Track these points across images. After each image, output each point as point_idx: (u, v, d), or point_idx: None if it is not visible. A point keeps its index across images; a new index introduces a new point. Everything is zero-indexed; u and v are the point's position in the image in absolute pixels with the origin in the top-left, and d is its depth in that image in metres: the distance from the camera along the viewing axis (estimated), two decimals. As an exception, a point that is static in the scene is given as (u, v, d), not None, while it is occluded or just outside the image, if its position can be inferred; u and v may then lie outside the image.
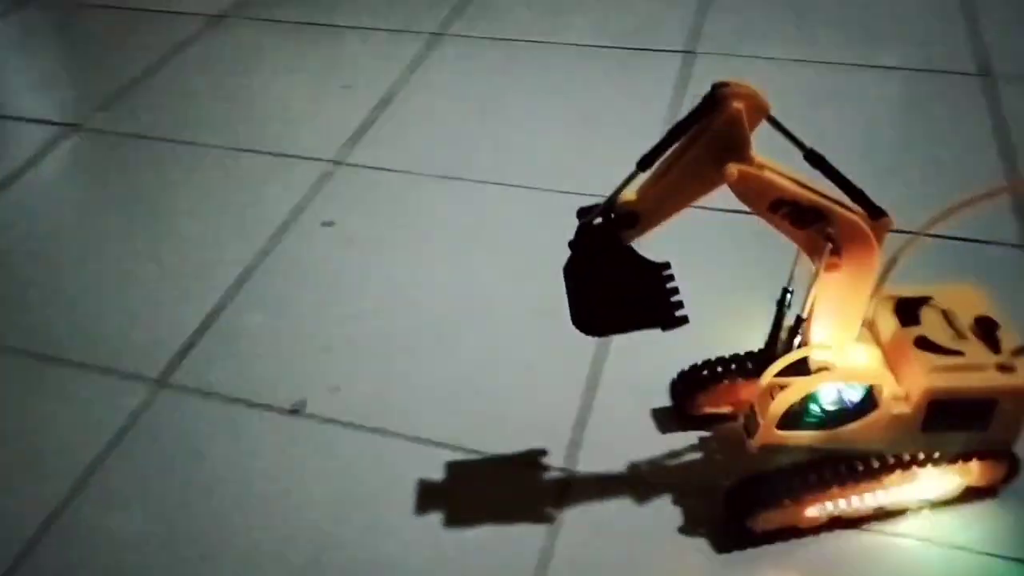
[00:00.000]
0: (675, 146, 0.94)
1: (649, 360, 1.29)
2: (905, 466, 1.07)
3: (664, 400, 1.27)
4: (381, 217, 1.69)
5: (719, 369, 1.22)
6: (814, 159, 0.95)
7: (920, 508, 1.12)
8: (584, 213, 0.98)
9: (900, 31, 2.19)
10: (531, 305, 1.45)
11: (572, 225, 1.57)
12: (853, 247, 0.97)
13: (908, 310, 1.10)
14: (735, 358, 1.22)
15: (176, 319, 1.48)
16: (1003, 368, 1.02)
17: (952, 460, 1.08)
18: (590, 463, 1.21)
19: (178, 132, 1.96)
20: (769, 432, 1.04)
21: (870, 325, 1.12)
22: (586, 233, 0.98)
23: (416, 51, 2.22)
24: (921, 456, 1.07)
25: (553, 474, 1.20)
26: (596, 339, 1.35)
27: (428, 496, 1.18)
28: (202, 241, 1.65)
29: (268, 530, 1.16)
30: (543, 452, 1.23)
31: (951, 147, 1.79)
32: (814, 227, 0.96)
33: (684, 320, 1.03)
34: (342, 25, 2.36)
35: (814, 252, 0.98)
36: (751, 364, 1.19)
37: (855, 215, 0.96)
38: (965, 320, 1.08)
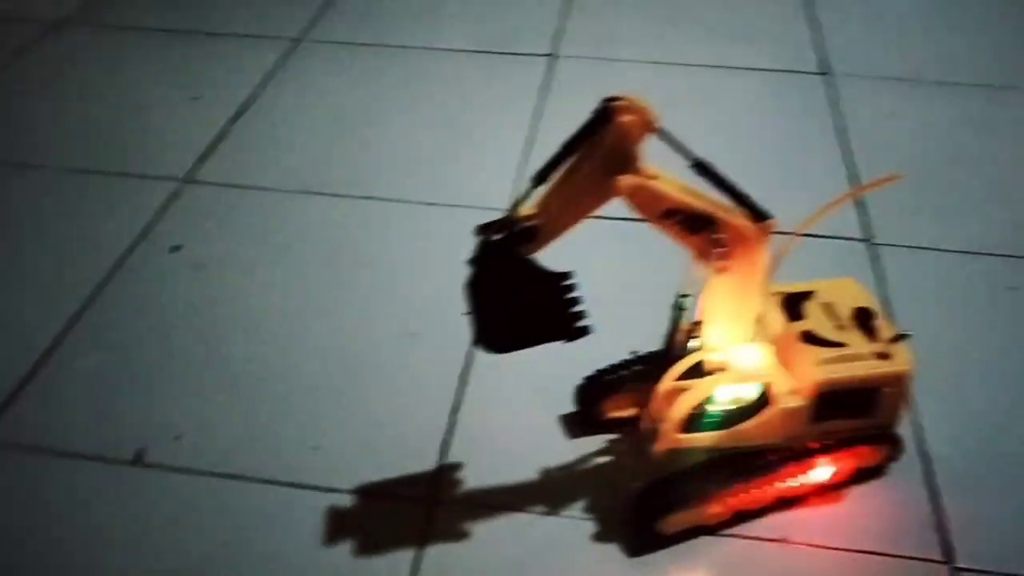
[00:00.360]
0: (569, 160, 0.95)
1: (554, 367, 1.28)
2: (801, 457, 1.11)
3: (570, 406, 1.28)
4: (234, 239, 1.61)
5: (623, 372, 1.24)
6: (701, 168, 0.98)
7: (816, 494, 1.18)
8: (483, 230, 0.98)
9: (751, 33, 2.28)
10: (398, 325, 1.43)
11: (440, 237, 1.61)
12: (741, 250, 1.00)
13: (793, 306, 1.15)
14: (639, 360, 1.24)
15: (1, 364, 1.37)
16: (881, 356, 1.08)
17: (843, 446, 1.13)
18: (488, 478, 1.20)
19: (9, 153, 1.83)
20: (672, 436, 1.07)
21: (759, 321, 1.17)
22: (486, 250, 0.98)
23: (273, 58, 2.14)
24: (815, 446, 1.12)
25: (422, 494, 1.19)
26: (479, 353, 1.35)
27: (286, 540, 1.13)
28: (35, 276, 1.53)
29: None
30: (415, 479, 1.20)
31: (800, 143, 1.88)
32: (704, 233, 0.99)
33: (587, 331, 1.04)
34: (192, 31, 2.26)
35: (705, 256, 1.02)
36: (652, 367, 1.22)
37: (741, 219, 1.00)
38: (845, 312, 1.13)
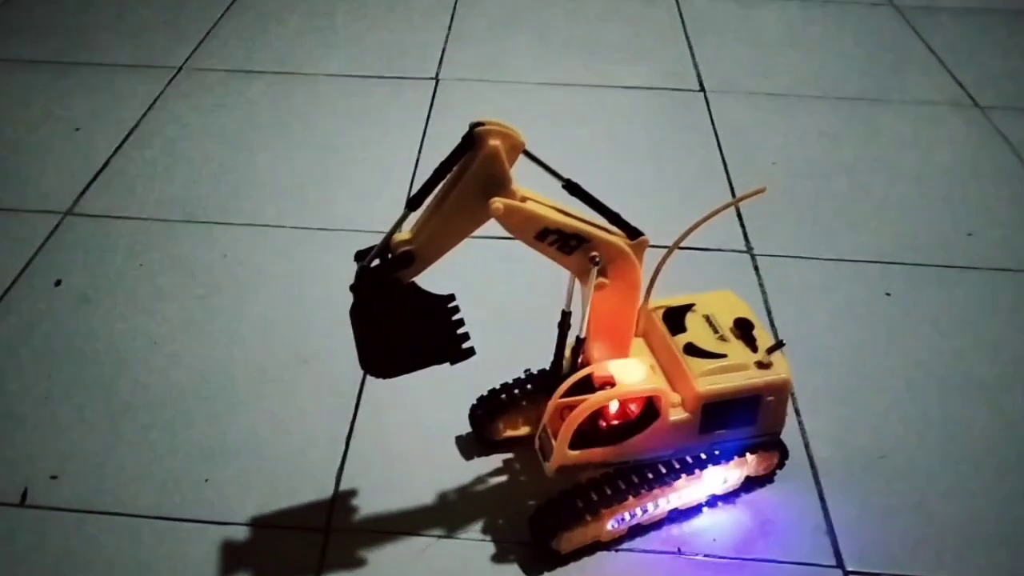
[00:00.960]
0: (441, 184, 0.96)
1: (448, 389, 1.29)
2: (690, 469, 1.14)
3: (464, 428, 1.28)
4: (118, 270, 1.57)
5: (516, 392, 1.24)
6: (572, 188, 1.00)
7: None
8: (361, 256, 0.98)
9: (631, 52, 2.34)
10: (288, 351, 1.41)
11: (329, 262, 1.60)
12: (616, 267, 1.03)
13: (675, 319, 1.17)
14: (530, 379, 1.25)
15: None
16: (761, 365, 1.11)
17: (731, 457, 1.16)
18: (385, 504, 1.19)
19: None
20: (563, 454, 1.08)
21: (644, 336, 1.19)
22: (365, 276, 0.98)
23: (155, 88, 2.10)
24: (703, 457, 1.14)
25: (318, 523, 1.17)
26: (371, 378, 1.35)
27: (193, 572, 1.11)
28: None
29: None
30: (311, 507, 1.18)
31: (682, 157, 1.94)
32: (580, 251, 1.01)
33: (471, 352, 1.05)
34: (72, 62, 2.20)
35: (583, 275, 1.03)
36: (542, 383, 1.23)
37: (615, 237, 1.02)
38: (726, 323, 1.16)
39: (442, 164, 0.95)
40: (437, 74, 2.20)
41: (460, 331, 1.04)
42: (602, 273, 1.03)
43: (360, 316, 1.00)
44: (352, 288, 0.98)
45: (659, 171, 1.88)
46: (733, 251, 1.67)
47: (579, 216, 1.01)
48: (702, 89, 2.18)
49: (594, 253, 1.01)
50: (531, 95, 2.12)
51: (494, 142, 0.92)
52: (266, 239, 1.66)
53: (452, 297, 1.03)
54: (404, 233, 0.98)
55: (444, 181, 0.96)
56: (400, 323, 1.02)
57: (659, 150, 1.96)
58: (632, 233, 1.03)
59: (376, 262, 0.97)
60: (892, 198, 1.83)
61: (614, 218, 1.02)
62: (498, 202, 0.95)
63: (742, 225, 1.73)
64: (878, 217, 1.78)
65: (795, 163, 1.93)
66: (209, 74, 2.17)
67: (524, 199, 0.98)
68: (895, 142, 2.02)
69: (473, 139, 0.93)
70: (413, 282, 1.00)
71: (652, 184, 1.83)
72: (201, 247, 1.63)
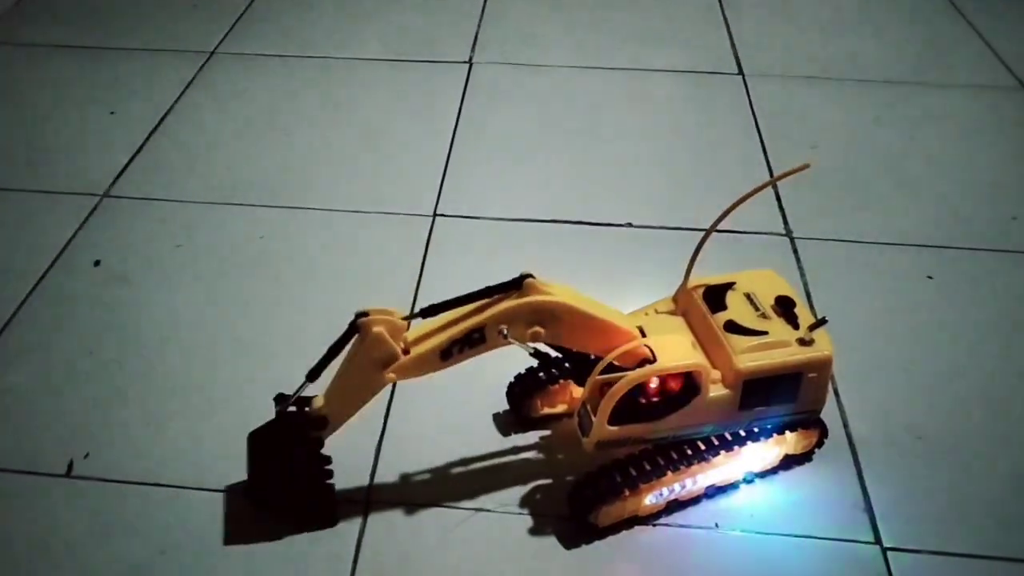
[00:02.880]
0: (342, 359, 1.04)
1: (485, 367, 1.27)
2: (729, 446, 1.13)
3: (502, 404, 1.29)
4: (155, 251, 1.59)
5: (553, 371, 1.24)
6: (428, 312, 1.03)
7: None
8: (281, 400, 1.08)
9: (667, 36, 2.32)
10: (325, 332, 1.40)
11: (366, 243, 1.60)
12: (527, 316, 1.04)
13: (716, 297, 1.16)
14: (567, 357, 1.25)
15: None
16: (803, 342, 1.11)
17: (770, 434, 1.15)
18: (423, 479, 1.20)
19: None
20: (602, 429, 1.08)
21: (684, 314, 1.19)
22: (282, 419, 1.08)
23: (188, 72, 2.12)
24: (742, 434, 1.14)
25: (358, 496, 1.18)
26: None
27: (222, 546, 1.12)
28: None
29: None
30: (350, 481, 1.19)
31: (720, 141, 1.92)
32: (490, 338, 1.04)
33: (334, 522, 1.15)
34: (106, 47, 2.22)
35: (524, 341, 1.06)
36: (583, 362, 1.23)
37: (505, 304, 1.03)
38: (767, 301, 1.15)
39: (333, 346, 1.03)
40: (470, 58, 2.20)
41: (331, 497, 1.14)
42: (526, 327, 1.05)
43: (261, 444, 1.10)
44: (268, 423, 1.08)
45: (697, 155, 1.87)
46: (772, 234, 1.66)
47: (463, 313, 1.04)
48: (740, 73, 2.16)
49: (499, 328, 1.04)
50: (565, 79, 2.11)
51: (377, 329, 1.00)
52: (302, 221, 1.67)
53: (330, 460, 1.12)
54: (319, 398, 1.07)
55: (341, 358, 1.04)
56: (290, 470, 1.11)
57: (697, 134, 1.95)
58: (514, 284, 1.04)
59: (291, 408, 1.07)
60: (935, 182, 1.81)
61: (489, 291, 1.04)
62: (391, 373, 1.03)
63: (781, 208, 1.72)
64: (920, 200, 1.76)
65: (836, 147, 1.91)
66: (241, 59, 2.19)
67: (408, 348, 1.04)
68: (938, 125, 1.99)
69: (358, 329, 1.01)
70: (320, 442, 1.09)
71: (690, 168, 1.81)
72: (237, 229, 1.65)
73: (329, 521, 1.14)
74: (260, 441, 1.10)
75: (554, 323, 1.05)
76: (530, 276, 1.04)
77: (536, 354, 1.10)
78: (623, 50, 2.24)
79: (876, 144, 1.92)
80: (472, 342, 1.04)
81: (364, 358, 1.03)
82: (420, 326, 1.06)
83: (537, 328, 1.04)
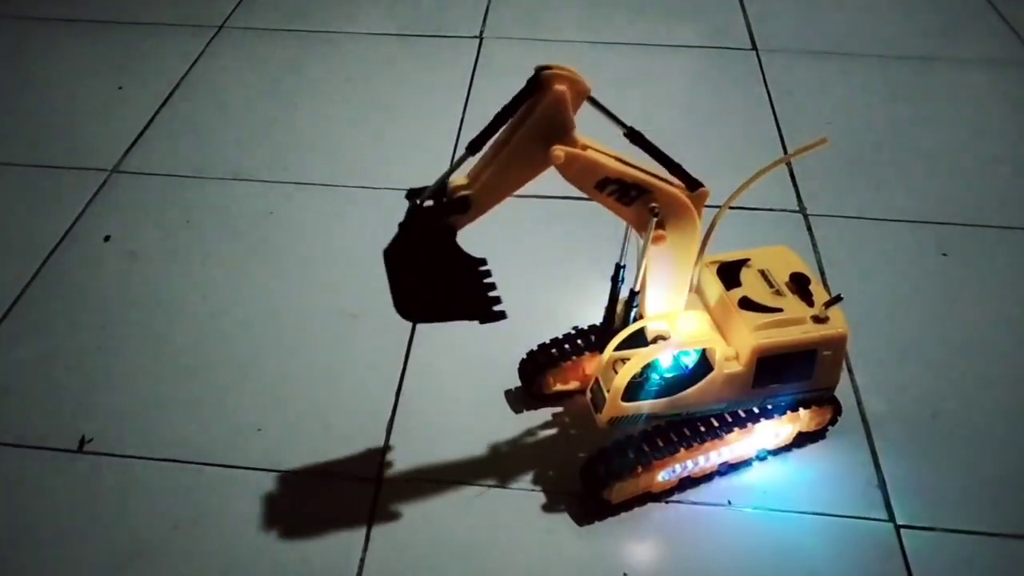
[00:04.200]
0: (502, 129, 0.94)
1: (497, 344, 1.30)
2: (743, 423, 1.13)
3: (514, 381, 1.28)
4: (166, 226, 1.58)
5: (566, 347, 1.24)
6: (634, 137, 0.98)
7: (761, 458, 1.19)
8: (414, 195, 0.96)
9: (679, 11, 2.29)
10: (337, 306, 1.41)
11: (374, 220, 1.58)
12: (676, 219, 1.01)
13: (730, 274, 1.15)
14: (580, 334, 1.25)
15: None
16: (818, 319, 1.10)
17: (783, 411, 1.15)
18: (435, 455, 1.20)
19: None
20: (615, 405, 1.07)
21: (698, 291, 1.18)
22: (419, 216, 0.96)
23: (197, 46, 2.10)
24: (756, 411, 1.13)
25: (370, 472, 1.18)
26: (420, 332, 1.36)
27: (235, 521, 1.12)
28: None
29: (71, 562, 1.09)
30: (362, 457, 1.19)
31: (734, 118, 1.90)
32: (639, 202, 1.00)
33: (502, 315, 1.04)
34: (112, 21, 2.20)
35: (641, 226, 1.02)
36: (594, 339, 1.22)
37: (675, 188, 1.00)
38: (781, 278, 1.14)
39: (505, 108, 0.93)
40: (481, 32, 2.17)
41: (492, 294, 1.03)
42: (660, 225, 1.01)
43: (399, 256, 0.98)
44: (402, 226, 0.97)
45: (709, 132, 1.85)
46: (786, 211, 1.64)
47: (639, 166, 0.99)
48: (754, 48, 2.14)
49: (653, 204, 0.99)
50: (577, 54, 2.09)
51: (560, 87, 0.91)
52: (311, 197, 1.66)
53: (484, 261, 1.02)
54: (461, 178, 0.97)
55: (505, 126, 0.94)
56: (437, 272, 1.01)
57: (710, 111, 1.93)
58: (692, 184, 1.01)
59: (429, 203, 0.96)
60: (949, 158, 1.79)
61: (675, 169, 1.00)
62: (559, 150, 0.93)
63: (795, 185, 1.70)
64: (934, 177, 1.74)
65: (850, 123, 1.89)
66: (249, 33, 2.17)
67: (585, 147, 0.96)
68: (954, 101, 1.96)
69: (539, 83, 0.91)
70: (455, 240, 0.99)
71: (702, 145, 1.80)
72: (247, 204, 1.64)
73: (494, 315, 1.04)
74: (403, 250, 0.98)
75: (678, 238, 1.02)
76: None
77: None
78: (635, 25, 2.22)
79: (891, 120, 1.90)
80: (626, 192, 0.98)
81: (535, 122, 0.91)
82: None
83: (662, 232, 1.01)
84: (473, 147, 0.94)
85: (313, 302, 1.43)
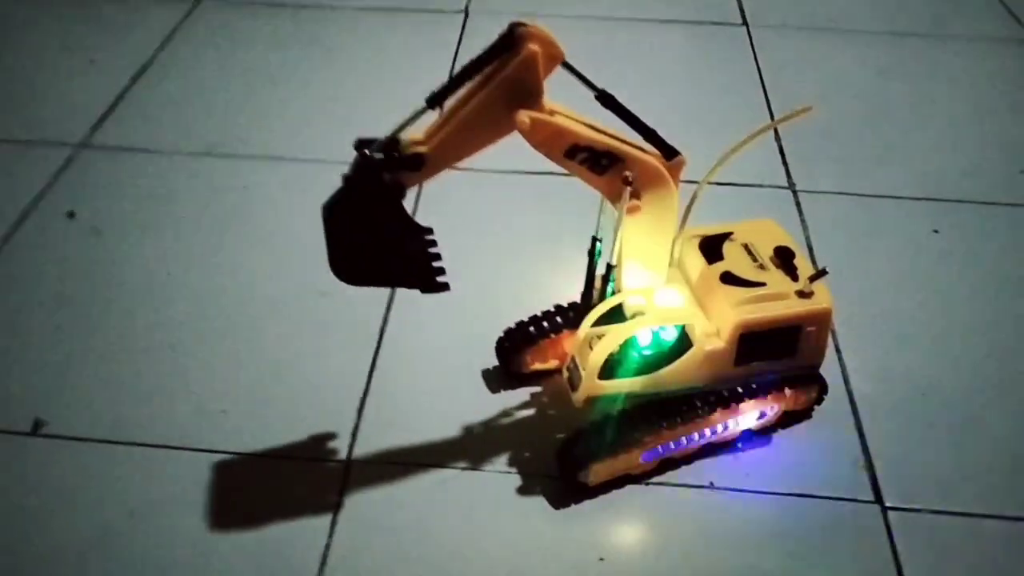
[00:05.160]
0: (467, 86, 0.89)
1: (473, 321, 1.26)
2: (725, 402, 1.09)
3: (492, 360, 1.24)
4: (132, 203, 1.53)
5: (544, 324, 1.20)
6: (606, 101, 0.94)
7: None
8: (363, 145, 0.90)
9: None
10: (309, 283, 1.36)
11: None
12: (651, 188, 0.97)
13: (712, 247, 1.11)
14: (559, 311, 1.21)
15: None
16: (802, 294, 1.06)
17: (768, 390, 1.11)
18: (408, 436, 1.15)
19: None
20: (592, 383, 1.03)
21: (679, 265, 1.14)
22: (368, 168, 0.90)
23: (174, 19, 2.04)
24: (739, 390, 1.09)
25: (339, 454, 1.14)
26: (395, 310, 1.32)
27: (197, 506, 1.07)
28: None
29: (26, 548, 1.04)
30: (332, 438, 1.15)
31: (724, 94, 1.86)
32: (612, 171, 0.95)
33: (445, 287, 0.99)
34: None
35: (615, 197, 0.98)
36: (573, 316, 1.18)
37: (650, 156, 0.96)
38: (765, 252, 1.11)
39: (472, 63, 0.88)
40: (466, 6, 2.12)
41: (437, 264, 0.98)
42: (635, 195, 0.97)
43: (342, 211, 0.93)
44: (346, 178, 0.91)
45: (699, 108, 1.81)
46: (774, 187, 1.60)
47: (612, 133, 0.95)
48: (745, 23, 2.09)
49: (627, 173, 0.95)
50: (566, 29, 1.99)
51: (533, 47, 0.86)
52: (287, 172, 1.61)
53: (431, 230, 0.97)
54: (417, 134, 0.92)
55: (470, 83, 0.89)
56: (379, 233, 0.95)
57: (699, 87, 1.89)
58: (669, 152, 0.97)
59: (379, 156, 0.90)
60: (942, 134, 1.75)
61: (650, 135, 0.96)
62: (525, 115, 0.88)
63: (784, 160, 1.66)
64: (927, 154, 1.70)
65: (842, 99, 1.84)
66: (228, 6, 2.11)
67: (553, 113, 0.92)
68: (947, 78, 1.93)
69: (511, 40, 0.86)
70: (401, 203, 0.94)
71: (691, 121, 1.75)
72: (220, 180, 1.59)
73: (437, 286, 0.99)
74: (346, 205, 0.92)
75: (654, 209, 0.97)
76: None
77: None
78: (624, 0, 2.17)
79: (883, 97, 1.86)
80: (598, 160, 0.93)
81: (503, 81, 0.86)
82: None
83: (637, 202, 0.96)
84: (433, 101, 0.89)
85: (285, 279, 1.38)
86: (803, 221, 1.52)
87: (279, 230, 1.48)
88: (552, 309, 1.21)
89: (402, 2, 2.14)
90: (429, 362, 1.26)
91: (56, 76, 1.86)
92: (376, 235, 0.95)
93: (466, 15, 2.09)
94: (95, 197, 1.55)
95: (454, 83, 0.89)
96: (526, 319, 1.21)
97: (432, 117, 0.92)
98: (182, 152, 1.66)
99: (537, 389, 1.22)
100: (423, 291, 0.99)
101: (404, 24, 2.06)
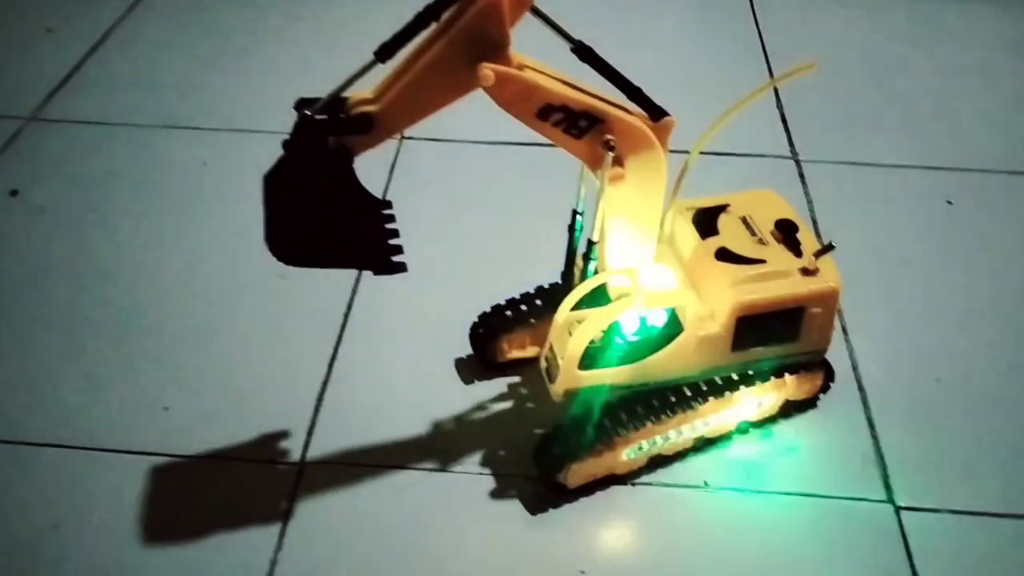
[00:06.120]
0: (423, 35, 0.78)
1: (446, 305, 1.17)
2: (720, 391, 0.99)
3: (464, 348, 1.14)
4: (82, 179, 1.43)
5: (522, 308, 1.10)
6: (584, 53, 0.83)
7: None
8: (304, 105, 0.79)
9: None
10: (267, 266, 1.25)
11: None
12: (636, 153, 0.86)
13: (707, 221, 1.01)
14: (539, 293, 1.11)
15: None
16: (806, 272, 0.96)
17: (767, 377, 1.01)
18: (372, 435, 1.05)
19: None
20: (571, 375, 0.93)
21: (669, 240, 1.03)
22: (309, 130, 0.79)
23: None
24: (735, 378, 0.99)
25: (293, 455, 1.04)
26: (360, 294, 1.22)
27: (135, 515, 0.97)
28: None
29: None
30: (286, 437, 1.05)
31: (726, 59, 1.76)
32: (591, 134, 0.84)
33: (402, 267, 0.88)
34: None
35: (596, 164, 0.86)
36: (554, 299, 1.07)
37: (634, 116, 0.84)
38: (765, 225, 1.01)
39: (427, 8, 0.76)
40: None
41: (393, 241, 0.87)
42: (618, 161, 0.86)
43: (281, 181, 0.82)
44: (286, 144, 0.80)
45: (697, 76, 1.70)
46: (776, 156, 1.50)
47: (592, 91, 0.84)
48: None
49: (608, 136, 0.84)
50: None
51: None
52: (252, 146, 1.50)
53: (389, 204, 0.86)
54: (365, 91, 0.81)
55: (427, 33, 0.78)
56: (327, 205, 0.84)
57: (699, 55, 1.78)
58: (656, 113, 0.86)
59: (321, 116, 0.79)
60: (956, 101, 1.65)
61: (634, 93, 0.85)
62: (488, 68, 0.77)
63: (786, 128, 1.55)
64: (939, 121, 1.60)
65: (849, 64, 1.74)
66: (199, -28, 2.00)
67: (522, 67, 0.81)
68: (956, 42, 1.83)
69: None
70: (352, 169, 0.82)
71: (690, 89, 1.63)
72: (178, 154, 1.49)
73: (392, 266, 0.88)
74: (285, 173, 0.81)
75: (640, 176, 0.87)
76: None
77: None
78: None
79: (890, 61, 1.75)
80: (575, 122, 0.82)
81: (462, 30, 0.76)
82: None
83: (620, 170, 0.86)
84: (383, 54, 0.78)
85: (241, 262, 1.28)
86: (807, 193, 1.43)
87: (238, 209, 1.37)
88: (532, 291, 1.12)
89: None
90: (397, 350, 1.16)
91: (8, 46, 1.75)
92: (321, 208, 0.84)
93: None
94: (43, 174, 1.44)
95: (407, 32, 0.78)
96: (503, 302, 1.12)
97: (384, 72, 0.81)
98: (139, 125, 1.55)
99: (515, 379, 1.12)
100: (376, 272, 0.88)
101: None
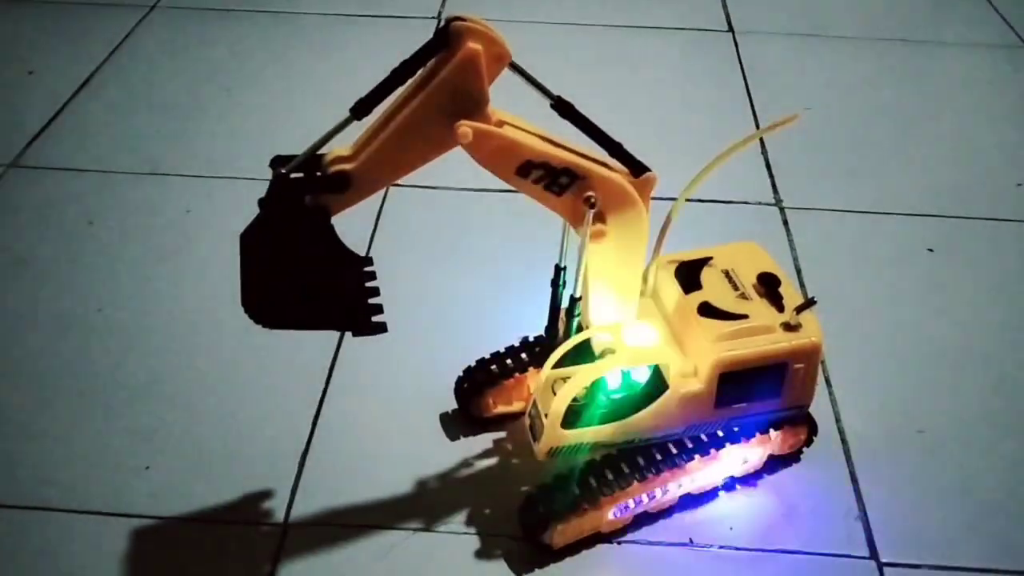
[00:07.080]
0: (399, 92, 0.78)
1: (432, 359, 1.16)
2: (705, 448, 0.98)
3: (450, 403, 1.13)
4: (64, 229, 1.41)
5: (508, 362, 1.09)
6: (564, 109, 0.83)
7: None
8: (279, 163, 0.79)
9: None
10: (250, 321, 1.25)
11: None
12: (617, 210, 0.86)
13: (689, 275, 1.01)
14: (525, 347, 1.10)
15: None
16: (789, 327, 0.95)
17: (752, 434, 1.00)
18: (356, 494, 1.04)
19: None
20: (554, 434, 0.92)
21: (653, 295, 1.03)
22: (283, 189, 0.78)
23: (124, 27, 1.93)
24: (720, 434, 0.99)
25: (276, 516, 1.02)
26: (344, 350, 1.21)
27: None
28: None
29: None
30: (269, 497, 1.03)
31: (711, 102, 1.78)
32: (572, 191, 0.84)
33: (381, 328, 0.87)
34: (29, -2, 2.03)
35: (577, 220, 0.86)
36: (539, 352, 1.07)
37: (615, 172, 0.85)
38: (748, 279, 1.00)
39: (403, 64, 0.76)
40: (440, 13, 2.02)
41: (372, 301, 0.86)
42: (600, 218, 0.86)
43: (257, 240, 0.81)
44: (261, 202, 0.79)
45: (682, 118, 1.72)
46: (760, 204, 1.51)
47: (572, 147, 0.84)
48: (730, 29, 2.00)
49: (589, 193, 0.84)
50: (546, 36, 1.94)
51: (474, 45, 0.75)
52: (237, 193, 1.49)
53: (369, 261, 0.85)
54: (342, 148, 0.80)
55: (403, 88, 0.78)
56: (304, 265, 0.83)
57: (684, 94, 1.80)
58: (637, 168, 0.86)
59: (297, 175, 0.78)
60: (935, 146, 1.66)
61: (615, 149, 0.85)
62: (466, 126, 0.77)
63: (771, 175, 1.56)
64: (920, 167, 1.61)
65: (830, 109, 1.75)
66: (183, 13, 2.00)
67: (501, 124, 0.81)
68: (939, 86, 1.85)
69: (447, 37, 0.75)
70: (331, 225, 0.81)
71: (675, 132, 1.66)
72: (161, 202, 1.48)
73: (371, 327, 0.86)
74: (259, 232, 0.80)
75: (621, 233, 0.87)
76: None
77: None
78: (608, 6, 2.07)
79: (873, 106, 1.77)
80: (555, 178, 0.82)
81: (440, 86, 0.75)
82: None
83: (602, 226, 0.86)
84: (359, 110, 0.77)
85: (225, 314, 1.26)
86: (790, 240, 1.43)
87: (221, 259, 1.36)
88: (517, 344, 1.11)
89: (369, 8, 2.03)
90: (381, 405, 1.15)
91: (-10, 90, 1.75)
92: (298, 268, 0.83)
93: (439, 23, 1.98)
94: (22, 223, 1.43)
95: (383, 88, 0.77)
96: (488, 356, 1.11)
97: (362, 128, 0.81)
98: (122, 171, 1.54)
99: (501, 435, 1.11)
100: (355, 334, 0.87)
101: (371, 32, 1.96)
